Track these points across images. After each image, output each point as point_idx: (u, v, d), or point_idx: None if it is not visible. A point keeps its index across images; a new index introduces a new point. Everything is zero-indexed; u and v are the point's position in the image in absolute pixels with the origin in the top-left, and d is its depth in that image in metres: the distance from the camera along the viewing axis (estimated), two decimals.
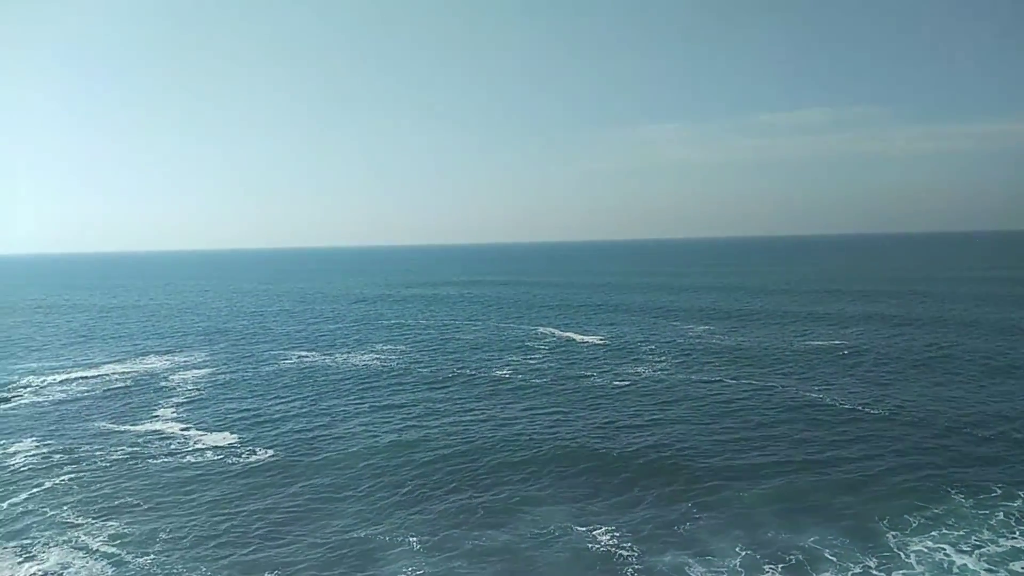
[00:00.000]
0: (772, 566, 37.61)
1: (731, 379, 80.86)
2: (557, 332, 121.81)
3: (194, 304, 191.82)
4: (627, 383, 79.92)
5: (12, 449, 59.84)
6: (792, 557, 38.46)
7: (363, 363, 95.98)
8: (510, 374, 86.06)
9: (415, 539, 42.09)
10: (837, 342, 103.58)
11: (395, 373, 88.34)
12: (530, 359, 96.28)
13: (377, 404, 73.18)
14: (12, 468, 55.33)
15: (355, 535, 42.71)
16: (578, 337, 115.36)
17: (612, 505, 46.89)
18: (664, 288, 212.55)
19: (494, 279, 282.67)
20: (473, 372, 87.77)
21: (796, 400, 70.37)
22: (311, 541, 41.96)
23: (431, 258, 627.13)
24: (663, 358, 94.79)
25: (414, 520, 44.80)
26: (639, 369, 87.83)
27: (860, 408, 66.77)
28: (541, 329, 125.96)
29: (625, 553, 39.83)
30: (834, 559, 38.08)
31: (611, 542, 41.24)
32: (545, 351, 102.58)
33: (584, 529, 43.15)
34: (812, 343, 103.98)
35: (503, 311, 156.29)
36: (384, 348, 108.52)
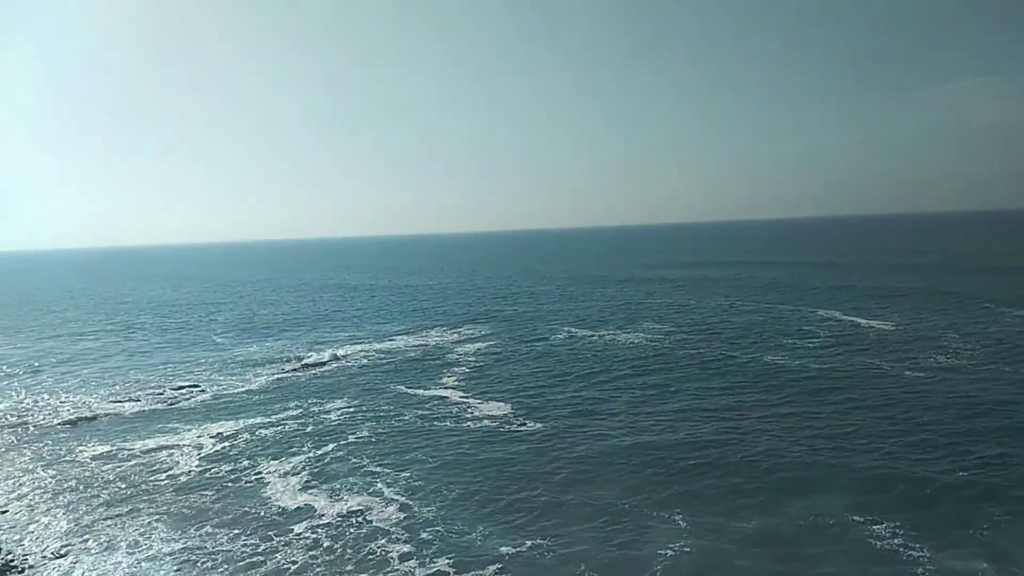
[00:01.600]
0: None
1: None
2: (840, 315, 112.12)
3: (458, 285, 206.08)
4: (924, 375, 71.19)
5: (328, 407, 69.05)
6: None
7: (632, 342, 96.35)
8: (785, 359, 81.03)
9: (681, 517, 41.53)
10: None
11: (663, 354, 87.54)
12: (807, 343, 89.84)
13: (646, 383, 73.11)
14: (327, 422, 63.99)
15: (621, 508, 43.08)
16: (864, 322, 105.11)
17: (897, 499, 42.23)
18: (996, 271, 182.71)
19: (767, 259, 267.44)
20: (747, 357, 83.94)
21: None
22: (579, 511, 43.07)
23: (692, 236, 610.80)
24: (970, 349, 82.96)
25: (680, 498, 44.12)
26: (938, 359, 77.77)
27: None
28: (821, 312, 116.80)
29: (914, 553, 35.61)
30: None
31: (894, 539, 37.21)
32: (825, 336, 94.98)
33: (862, 520, 39.55)
34: None
35: (779, 293, 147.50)
36: (653, 328, 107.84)
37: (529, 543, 39.35)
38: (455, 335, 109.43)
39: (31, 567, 38.69)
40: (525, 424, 60.80)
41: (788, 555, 36.59)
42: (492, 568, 37.02)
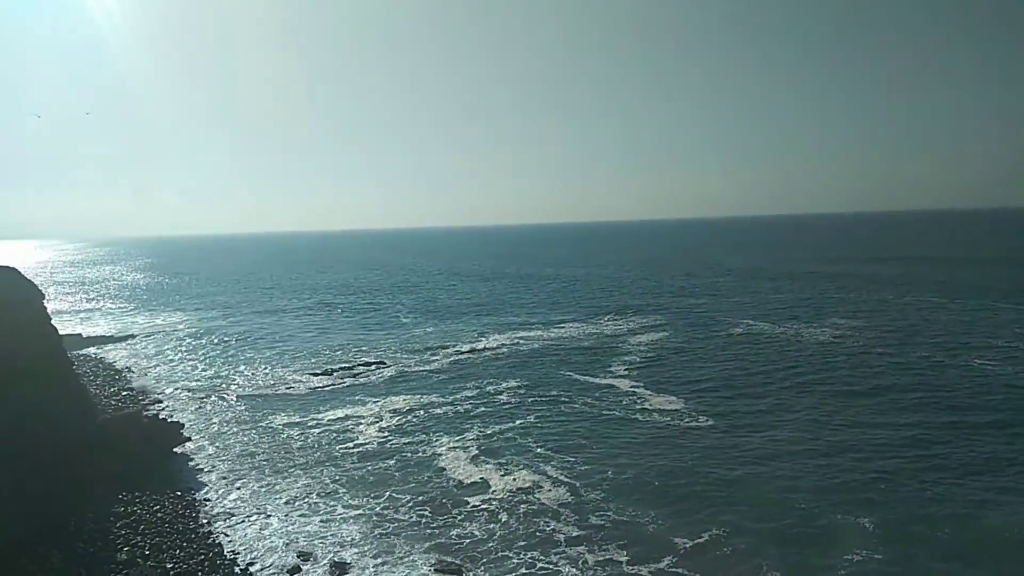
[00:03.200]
0: None
1: None
2: None
3: (630, 276, 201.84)
4: None
5: (503, 387, 70.48)
6: None
7: (816, 338, 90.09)
8: (998, 363, 72.29)
9: (869, 522, 38.41)
10: None
11: (853, 353, 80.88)
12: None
13: (832, 382, 68.05)
14: (501, 402, 65.33)
15: (803, 509, 40.34)
16: None
17: None
18: None
19: (971, 255, 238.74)
20: (958, 362, 75.68)
21: None
22: (758, 510, 40.75)
23: (874, 227, 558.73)
24: None
25: (868, 504, 40.67)
26: None
27: None
28: None
29: None
30: None
31: None
32: None
33: None
34: None
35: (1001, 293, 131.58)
36: (841, 324, 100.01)
37: (706, 536, 37.96)
38: (628, 325, 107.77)
39: (229, 519, 42.56)
40: (700, 419, 58.43)
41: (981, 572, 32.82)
42: (667, 559, 36.08)
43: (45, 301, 50.86)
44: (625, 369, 77.27)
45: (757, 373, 73.38)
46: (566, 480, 46.32)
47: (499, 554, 37.28)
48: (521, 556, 37.05)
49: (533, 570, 35.75)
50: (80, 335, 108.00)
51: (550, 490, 44.90)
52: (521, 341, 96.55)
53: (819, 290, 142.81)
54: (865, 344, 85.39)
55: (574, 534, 38.95)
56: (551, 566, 35.91)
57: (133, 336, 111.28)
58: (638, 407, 62.49)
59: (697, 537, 37.82)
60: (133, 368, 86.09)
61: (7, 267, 48.48)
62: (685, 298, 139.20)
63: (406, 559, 37.24)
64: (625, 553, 36.63)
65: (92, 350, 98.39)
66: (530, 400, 65.79)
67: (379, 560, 37.25)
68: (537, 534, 39.14)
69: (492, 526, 40.35)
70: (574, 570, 35.51)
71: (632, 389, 68.47)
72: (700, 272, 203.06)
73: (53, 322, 51.13)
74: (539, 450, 52.20)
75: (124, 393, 72.37)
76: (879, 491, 42.59)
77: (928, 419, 56.00)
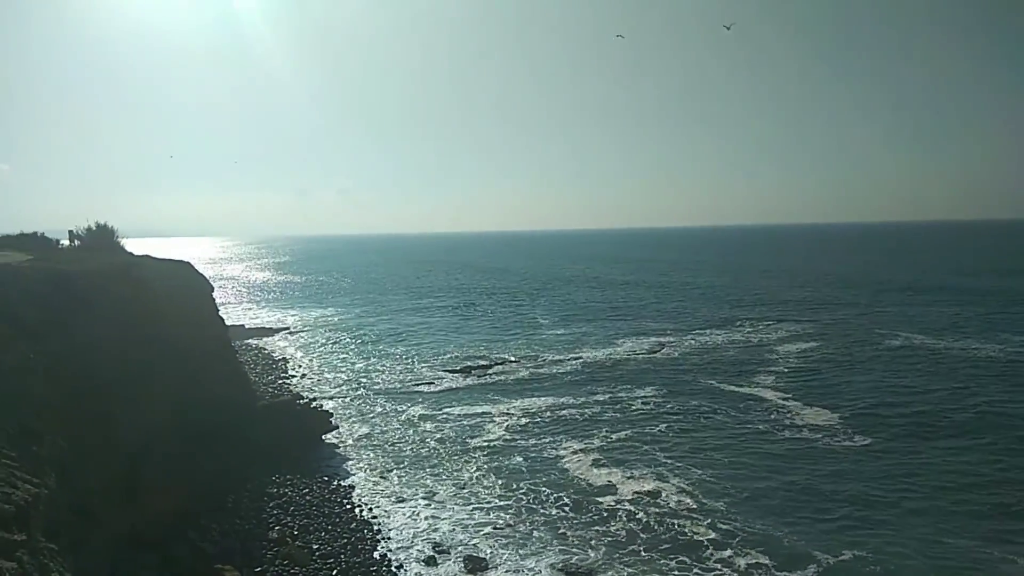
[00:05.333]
0: None
1: None
2: None
3: (775, 285, 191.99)
4: None
5: (636, 394, 69.25)
6: None
7: (987, 355, 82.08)
8: None
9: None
10: None
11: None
12: None
13: (995, 404, 61.78)
14: (632, 408, 64.17)
15: (956, 539, 37.05)
16: None
17: None
18: None
19: None
20: None
21: None
22: (908, 532, 37.94)
23: None
24: None
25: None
26: None
27: None
28: None
29: None
30: None
31: None
32: None
33: None
34: None
35: None
36: (1015, 340, 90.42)
37: (849, 554, 36.02)
38: (776, 333, 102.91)
39: (370, 507, 44.34)
40: (852, 438, 54.65)
41: None
42: (811, 568, 34.89)
43: (213, 293, 55.05)
44: (773, 379, 73.72)
45: (916, 389, 67.83)
46: (685, 487, 45.34)
47: (630, 555, 37.01)
48: (650, 556, 36.87)
49: (667, 569, 35.40)
50: (243, 326, 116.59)
51: (671, 495, 44.15)
52: (663, 345, 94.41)
53: (979, 305, 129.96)
54: None
55: (703, 539, 38.39)
56: (679, 570, 35.39)
57: (289, 328, 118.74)
58: (786, 422, 59.27)
59: (839, 554, 36.24)
60: (288, 358, 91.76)
61: (183, 261, 52.92)
62: (835, 306, 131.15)
63: (537, 556, 37.37)
64: (770, 561, 35.71)
65: (253, 340, 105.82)
66: (666, 407, 64.15)
67: (511, 557, 37.57)
68: (663, 538, 38.76)
69: (618, 528, 40.17)
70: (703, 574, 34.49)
71: (781, 402, 65.14)
72: (853, 277, 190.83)
73: (220, 313, 55.36)
74: (663, 459, 50.97)
75: (280, 381, 77.25)
76: None
77: None
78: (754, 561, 35.98)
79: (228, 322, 61.81)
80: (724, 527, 39.59)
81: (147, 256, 50.27)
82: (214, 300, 54.41)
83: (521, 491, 45.86)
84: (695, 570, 35.51)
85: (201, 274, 53.78)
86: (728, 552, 36.99)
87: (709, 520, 40.46)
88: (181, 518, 37.00)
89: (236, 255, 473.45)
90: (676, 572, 35.49)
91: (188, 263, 53.02)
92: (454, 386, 74.75)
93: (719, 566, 35.85)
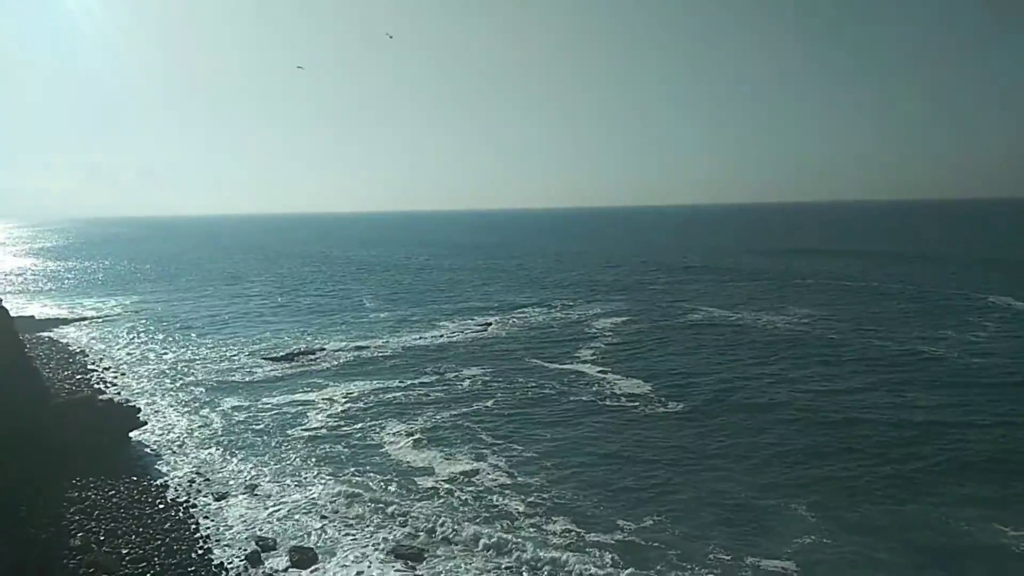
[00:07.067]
0: None
1: None
2: None
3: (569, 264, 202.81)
4: None
5: (463, 374, 70.34)
6: None
7: (781, 325, 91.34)
8: (977, 356, 74.19)
9: (809, 512, 39.26)
10: None
11: (824, 343, 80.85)
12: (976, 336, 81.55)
13: (794, 374, 68.73)
14: (458, 389, 65.15)
15: (745, 498, 41.06)
16: None
17: None
18: None
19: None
20: (941, 350, 75.59)
21: None
22: (699, 497, 41.44)
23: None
24: None
25: (808, 494, 41.45)
26: None
27: None
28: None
29: None
30: None
31: None
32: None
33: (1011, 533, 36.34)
34: None
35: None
36: (804, 313, 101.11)
37: (650, 520, 38.77)
38: (592, 310, 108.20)
39: (185, 505, 41.95)
40: (666, 405, 58.91)
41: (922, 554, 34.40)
42: (616, 535, 37.22)
43: None
44: (591, 354, 77.66)
45: (719, 357, 74.45)
46: (503, 465, 46.92)
47: (452, 533, 37.94)
48: (471, 531, 37.94)
49: (487, 545, 36.47)
50: (32, 317, 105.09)
51: (487, 475, 45.53)
52: (483, 328, 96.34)
53: (773, 281, 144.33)
54: (823, 332, 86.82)
55: (515, 511, 40.20)
56: (500, 541, 36.68)
57: (87, 319, 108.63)
58: (607, 392, 62.89)
59: (640, 522, 38.67)
60: (87, 351, 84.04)
61: None
62: (640, 286, 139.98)
63: (364, 544, 37.28)
64: (566, 529, 37.74)
65: (46, 332, 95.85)
66: (492, 387, 65.63)
67: (337, 545, 37.19)
68: (484, 513, 40.06)
69: (441, 507, 40.97)
70: (523, 545, 36.05)
71: (599, 375, 68.78)
72: (645, 261, 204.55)
73: (3, 303, 49.58)
74: (482, 436, 52.54)
75: (78, 377, 70.64)
76: (822, 481, 43.44)
77: (883, 410, 57.11)
78: (563, 528, 37.90)
79: (13, 313, 55.35)
80: (535, 499, 41.46)
81: None
82: None
83: (344, 478, 45.37)
84: (510, 538, 36.70)
85: None
86: (536, 520, 38.89)
87: (522, 494, 42.18)
88: None
89: (19, 239, 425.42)
90: (492, 541, 36.60)
91: None
92: (274, 375, 71.99)
93: (533, 531, 37.69)
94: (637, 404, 59.19)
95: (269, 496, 43.01)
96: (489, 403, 60.34)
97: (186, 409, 60.68)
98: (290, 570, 34.95)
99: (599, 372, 69.89)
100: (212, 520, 39.90)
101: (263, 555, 36.07)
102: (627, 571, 33.74)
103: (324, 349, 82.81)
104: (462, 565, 35.12)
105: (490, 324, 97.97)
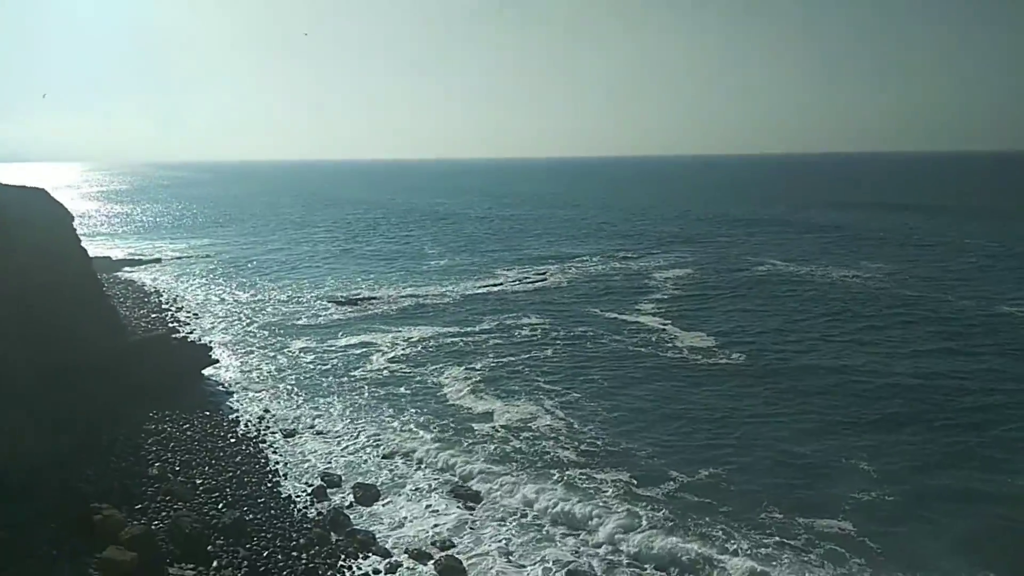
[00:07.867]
0: None
1: None
2: None
3: (645, 208, 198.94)
4: None
5: (522, 321, 70.60)
6: None
7: (843, 281, 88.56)
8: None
9: (867, 464, 38.76)
10: None
11: (900, 301, 77.06)
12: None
13: (852, 335, 65.75)
14: (516, 337, 65.46)
15: (804, 460, 40.05)
16: None
17: None
18: None
19: None
20: (976, 311, 73.92)
21: None
22: (756, 455, 40.74)
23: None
24: None
25: (871, 451, 40.54)
26: None
27: None
28: None
29: None
30: None
31: None
32: None
33: None
34: None
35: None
36: (877, 268, 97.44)
37: (705, 472, 38.45)
38: (649, 260, 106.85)
39: (255, 440, 43.62)
40: (730, 356, 58.20)
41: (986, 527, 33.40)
42: (668, 485, 37.18)
43: (74, 223, 51.13)
44: (654, 306, 76.74)
45: (785, 314, 72.60)
46: (560, 412, 47.02)
47: (508, 478, 38.38)
48: (525, 477, 38.39)
49: (541, 490, 36.80)
50: (110, 258, 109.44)
51: (544, 420, 45.83)
52: (542, 276, 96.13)
53: (844, 235, 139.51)
54: (900, 289, 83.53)
55: (572, 460, 40.16)
56: (552, 489, 36.95)
57: (161, 260, 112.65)
58: (669, 344, 62.23)
59: (694, 475, 38.26)
60: (162, 291, 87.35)
61: (37, 188, 48.61)
62: (705, 238, 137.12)
63: (424, 484, 38.31)
64: (612, 485, 37.30)
65: (122, 273, 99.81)
66: (550, 336, 65.62)
67: (399, 483, 38.32)
68: (538, 461, 40.24)
69: (498, 453, 41.46)
70: (575, 494, 36.31)
71: (661, 327, 68.07)
72: (708, 212, 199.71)
73: (83, 244, 51.57)
74: (540, 383, 52.65)
75: (153, 315, 73.57)
76: (885, 439, 42.49)
77: (957, 367, 55.16)
78: (614, 477, 37.78)
79: (92, 254, 57.78)
80: (589, 447, 41.53)
81: None
82: (75, 230, 50.53)
83: (405, 419, 46.41)
84: (561, 488, 36.82)
85: (58, 202, 49.64)
86: (588, 470, 38.79)
87: (577, 442, 42.26)
88: (53, 464, 35.02)
89: (100, 181, 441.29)
90: (547, 487, 36.96)
91: (43, 190, 48.74)
92: (338, 318, 73.67)
93: (584, 481, 37.66)
94: (699, 358, 58.39)
95: (334, 434, 44.41)
96: (548, 351, 60.48)
97: (256, 349, 62.74)
98: (355, 505, 36.18)
99: (660, 323, 69.18)
100: (280, 455, 41.46)
101: (328, 490, 37.38)
102: (677, 524, 33.56)
103: (387, 294, 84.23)
104: (517, 510, 35.69)
105: (549, 273, 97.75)
